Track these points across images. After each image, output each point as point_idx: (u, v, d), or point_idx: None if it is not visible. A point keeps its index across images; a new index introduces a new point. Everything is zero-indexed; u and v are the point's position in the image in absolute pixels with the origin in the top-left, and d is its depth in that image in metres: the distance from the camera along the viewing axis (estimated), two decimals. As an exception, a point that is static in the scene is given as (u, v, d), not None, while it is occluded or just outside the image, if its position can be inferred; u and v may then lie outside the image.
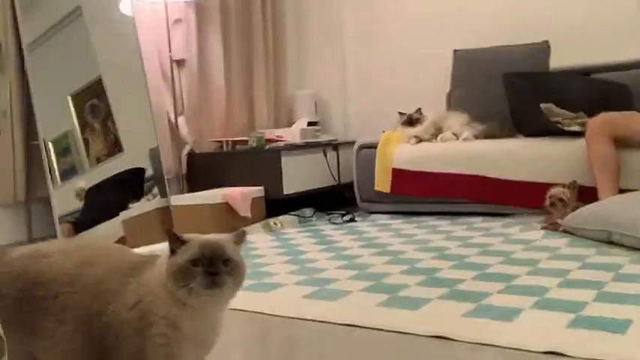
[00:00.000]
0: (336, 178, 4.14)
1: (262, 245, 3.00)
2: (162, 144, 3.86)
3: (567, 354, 1.37)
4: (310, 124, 4.49)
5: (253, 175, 3.77)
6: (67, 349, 1.03)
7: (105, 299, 1.03)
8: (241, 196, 3.48)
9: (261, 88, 4.47)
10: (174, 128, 4.01)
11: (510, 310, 1.71)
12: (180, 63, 4.10)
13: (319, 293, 2.02)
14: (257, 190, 3.68)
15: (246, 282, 2.12)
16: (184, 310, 1.02)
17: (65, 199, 3.14)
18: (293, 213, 3.83)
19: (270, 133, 4.20)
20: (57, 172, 3.17)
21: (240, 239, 1.09)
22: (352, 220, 3.69)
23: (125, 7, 3.65)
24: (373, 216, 3.80)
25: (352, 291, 2.03)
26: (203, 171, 3.99)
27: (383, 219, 3.67)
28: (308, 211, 3.95)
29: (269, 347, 1.62)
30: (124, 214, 3.45)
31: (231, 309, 1.11)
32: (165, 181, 3.67)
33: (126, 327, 1.01)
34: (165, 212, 3.55)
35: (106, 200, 3.32)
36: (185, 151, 4.04)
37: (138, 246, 3.22)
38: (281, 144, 3.96)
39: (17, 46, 3.05)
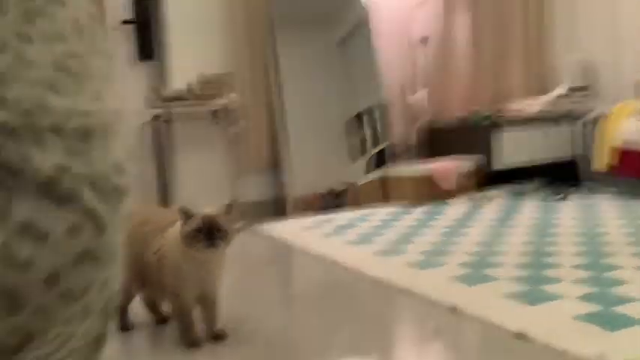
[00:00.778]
0: (565, 152, 4.09)
1: (443, 216, 3.35)
2: (398, 117, 4.39)
3: (530, 335, 1.56)
4: (576, 89, 4.45)
5: (470, 147, 4.04)
6: (128, 277, 1.73)
7: (145, 247, 1.68)
8: (445, 169, 3.82)
9: (515, 59, 4.60)
10: (410, 103, 4.48)
11: (545, 295, 1.86)
12: (423, 41, 4.52)
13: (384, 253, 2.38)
14: (469, 163, 3.95)
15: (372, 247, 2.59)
16: (185, 258, 1.61)
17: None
18: (511, 186, 3.99)
19: (518, 104, 4.34)
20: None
21: (229, 211, 1.63)
22: (564, 199, 3.71)
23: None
24: (595, 195, 3.74)
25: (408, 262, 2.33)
26: (433, 142, 4.40)
27: (601, 199, 3.60)
28: (530, 185, 4.06)
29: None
30: (361, 179, 4.12)
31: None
32: (385, 153, 4.21)
33: (151, 265, 1.66)
34: (384, 181, 4.09)
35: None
36: (418, 124, 4.49)
37: (366, 206, 3.86)
38: (506, 117, 4.11)
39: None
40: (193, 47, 3.81)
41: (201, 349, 1.67)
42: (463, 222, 3.19)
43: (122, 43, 3.70)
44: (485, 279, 2.10)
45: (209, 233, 1.58)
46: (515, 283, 2.03)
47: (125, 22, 3.70)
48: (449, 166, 3.88)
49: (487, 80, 4.55)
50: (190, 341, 1.67)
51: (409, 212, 3.60)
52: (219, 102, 3.58)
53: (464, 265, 2.31)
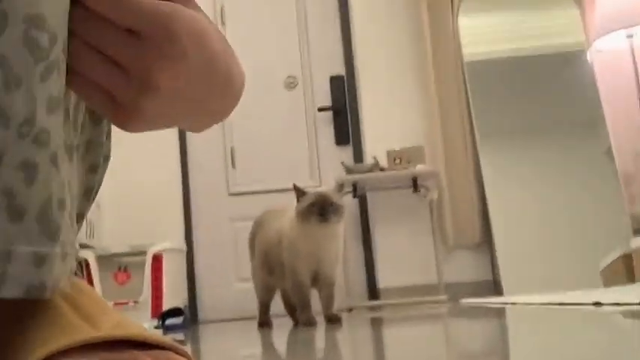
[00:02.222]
0: None
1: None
2: None
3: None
4: None
5: None
6: (262, 268, 2.08)
7: (269, 232, 2.04)
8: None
9: None
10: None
11: None
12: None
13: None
14: None
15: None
16: (299, 233, 1.94)
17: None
18: None
19: None
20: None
21: (341, 189, 1.94)
22: None
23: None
24: None
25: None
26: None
27: None
28: None
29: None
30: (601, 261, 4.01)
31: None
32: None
33: (273, 243, 2.00)
34: (628, 258, 3.89)
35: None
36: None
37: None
38: None
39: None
40: (385, 128, 4.37)
41: (316, 328, 1.89)
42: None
43: (322, 128, 4.35)
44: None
45: (322, 208, 1.87)
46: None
47: (320, 109, 4.33)
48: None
49: None
50: (306, 319, 1.92)
51: None
52: (407, 172, 3.88)
53: None
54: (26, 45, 0.43)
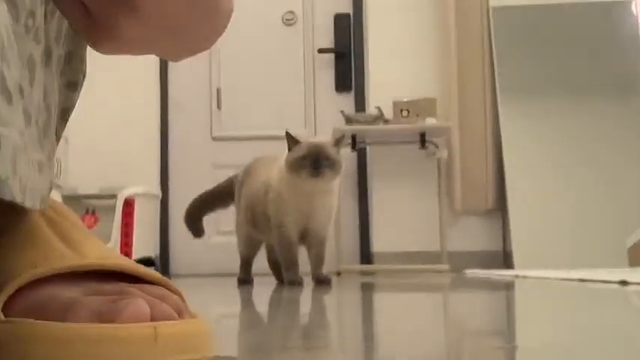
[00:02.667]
0: None
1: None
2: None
3: None
4: None
5: None
6: (247, 221, 2.12)
7: (256, 182, 2.08)
8: None
9: None
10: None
11: None
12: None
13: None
14: None
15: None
16: (288, 186, 1.97)
17: None
18: None
19: None
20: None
21: (339, 142, 1.96)
22: None
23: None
24: None
25: None
26: None
27: None
28: None
29: None
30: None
31: None
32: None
33: (258, 194, 2.04)
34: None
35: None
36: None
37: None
38: None
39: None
40: (393, 75, 4.36)
41: (302, 290, 1.94)
42: None
43: (321, 72, 4.41)
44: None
45: (316, 161, 1.89)
46: None
47: (321, 50, 4.31)
48: None
49: None
50: (291, 279, 1.96)
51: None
52: (414, 127, 3.88)
53: None
54: None
